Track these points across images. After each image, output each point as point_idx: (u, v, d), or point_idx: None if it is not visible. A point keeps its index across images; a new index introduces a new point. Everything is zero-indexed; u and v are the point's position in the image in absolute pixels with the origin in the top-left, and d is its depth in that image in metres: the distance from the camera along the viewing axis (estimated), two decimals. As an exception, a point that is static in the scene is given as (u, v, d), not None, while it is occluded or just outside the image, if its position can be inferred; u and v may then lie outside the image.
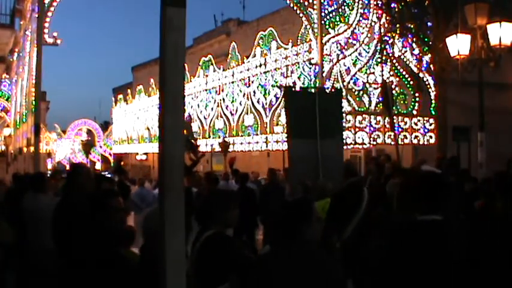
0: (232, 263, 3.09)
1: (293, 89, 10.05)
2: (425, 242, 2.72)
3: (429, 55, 15.21)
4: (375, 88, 15.35)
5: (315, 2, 14.35)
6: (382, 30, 15.20)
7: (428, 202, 2.82)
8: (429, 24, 14.72)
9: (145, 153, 33.57)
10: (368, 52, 15.35)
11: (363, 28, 15.25)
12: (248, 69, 19.63)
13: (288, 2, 14.82)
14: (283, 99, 11.26)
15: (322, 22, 14.40)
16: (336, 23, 14.90)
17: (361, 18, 15.19)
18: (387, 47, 15.22)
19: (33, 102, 11.49)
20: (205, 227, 3.38)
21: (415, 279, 2.70)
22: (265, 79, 18.46)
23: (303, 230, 2.71)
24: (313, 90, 9.40)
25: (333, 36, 14.83)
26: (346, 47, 15.03)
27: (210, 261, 3.15)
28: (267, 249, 3.09)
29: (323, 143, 7.02)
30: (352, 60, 15.18)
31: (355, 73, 15.20)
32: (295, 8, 14.68)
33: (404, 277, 2.73)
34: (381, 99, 14.54)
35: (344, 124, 14.68)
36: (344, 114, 14.73)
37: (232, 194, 3.70)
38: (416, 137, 15.96)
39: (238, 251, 3.27)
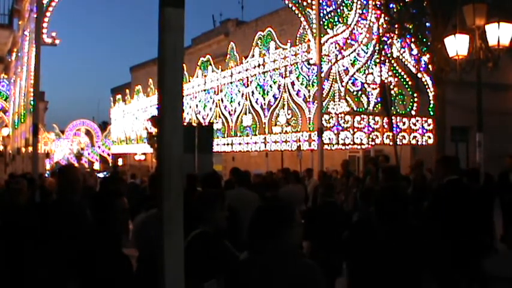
0: (218, 260, 3.07)
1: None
2: None
3: (428, 55, 15.22)
4: (373, 88, 15.37)
5: (313, 3, 14.34)
6: (381, 30, 15.20)
7: None
8: (428, 24, 14.73)
9: (144, 154, 33.51)
10: (366, 52, 15.36)
11: (362, 28, 15.26)
12: (247, 70, 19.63)
13: (286, 2, 14.82)
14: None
15: (321, 22, 14.39)
16: (334, 23, 14.89)
17: (359, 19, 15.20)
18: (386, 47, 15.22)
19: (32, 102, 11.47)
20: (192, 226, 3.33)
21: None
22: (264, 79, 18.46)
23: (282, 234, 2.59)
24: (194, 124, 12.75)
25: (332, 37, 14.84)
26: (344, 48, 15.04)
27: (196, 258, 3.12)
28: (246, 255, 3.05)
29: (199, 156, 10.04)
30: (351, 60, 15.19)
31: (354, 73, 15.21)
32: (293, 8, 14.67)
33: None
34: (379, 99, 14.57)
35: (343, 124, 14.80)
36: (342, 115, 14.83)
37: (221, 195, 3.57)
38: (414, 137, 15.97)
39: (225, 249, 3.25)
